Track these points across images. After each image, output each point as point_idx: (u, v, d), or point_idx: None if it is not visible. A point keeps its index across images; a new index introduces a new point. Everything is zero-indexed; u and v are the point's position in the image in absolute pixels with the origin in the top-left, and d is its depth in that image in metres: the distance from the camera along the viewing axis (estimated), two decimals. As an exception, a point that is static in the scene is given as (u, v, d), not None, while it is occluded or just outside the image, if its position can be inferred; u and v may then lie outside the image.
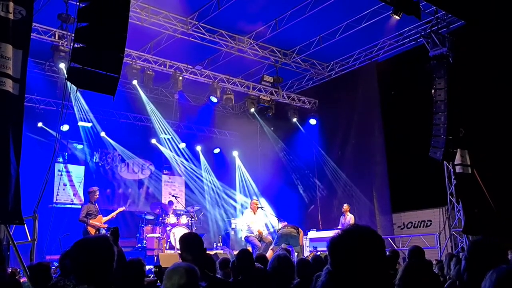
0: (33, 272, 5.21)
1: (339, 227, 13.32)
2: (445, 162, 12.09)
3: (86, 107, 14.32)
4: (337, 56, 15.10)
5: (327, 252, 2.01)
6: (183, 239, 4.08)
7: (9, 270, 7.41)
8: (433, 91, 11.67)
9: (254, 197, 14.68)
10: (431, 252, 12.03)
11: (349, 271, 1.87)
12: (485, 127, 11.56)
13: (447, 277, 6.52)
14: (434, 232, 13.06)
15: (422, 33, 12.50)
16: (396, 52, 14.12)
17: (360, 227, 1.99)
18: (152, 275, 7.58)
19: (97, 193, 11.73)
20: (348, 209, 13.53)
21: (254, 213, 12.46)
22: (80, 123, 14.59)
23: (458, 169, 11.69)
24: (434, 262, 9.24)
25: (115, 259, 2.70)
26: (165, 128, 16.17)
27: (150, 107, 15.39)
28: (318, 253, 10.74)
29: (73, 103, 13.42)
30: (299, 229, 11.94)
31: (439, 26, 12.14)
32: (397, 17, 10.95)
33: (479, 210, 11.21)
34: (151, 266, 8.98)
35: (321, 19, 12.50)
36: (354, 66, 15.16)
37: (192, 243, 3.97)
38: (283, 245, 11.33)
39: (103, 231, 4.19)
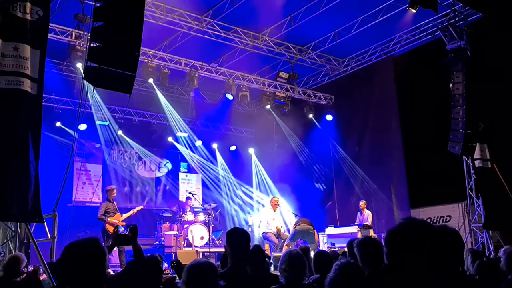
0: (58, 267, 5.28)
1: (356, 223, 13.27)
2: (464, 157, 11.94)
3: (103, 106, 14.45)
4: (353, 51, 14.99)
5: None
6: (227, 234, 4.16)
7: (31, 267, 7.51)
8: (451, 85, 11.52)
9: (276, 196, 14.61)
10: (450, 247, 11.88)
11: (406, 260, 1.88)
12: (505, 120, 11.38)
13: (467, 272, 6.43)
14: (454, 228, 12.90)
15: (439, 26, 12.34)
16: (413, 46, 13.96)
17: (418, 220, 2.03)
18: (171, 271, 7.62)
19: (115, 191, 11.82)
20: (365, 206, 13.47)
21: (274, 211, 12.47)
22: (98, 122, 14.73)
23: (477, 163, 11.55)
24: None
25: (106, 258, 2.70)
26: (182, 126, 16.24)
27: (166, 105, 15.46)
28: (336, 249, 10.71)
29: (91, 102, 13.53)
30: (313, 226, 11.93)
31: (457, 19, 11.97)
32: (414, 11, 10.83)
33: (500, 205, 11.06)
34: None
35: (336, 14, 12.42)
36: (370, 61, 15.05)
37: (234, 238, 4.01)
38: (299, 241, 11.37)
39: (122, 229, 4.22)
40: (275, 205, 12.51)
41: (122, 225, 11.06)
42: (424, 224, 2.03)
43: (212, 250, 12.27)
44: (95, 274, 2.63)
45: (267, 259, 5.51)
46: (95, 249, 2.69)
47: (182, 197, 16.50)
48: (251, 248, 4.87)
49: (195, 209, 14.31)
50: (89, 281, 2.59)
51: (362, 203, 13.52)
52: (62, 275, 2.71)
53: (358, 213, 13.59)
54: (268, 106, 15.85)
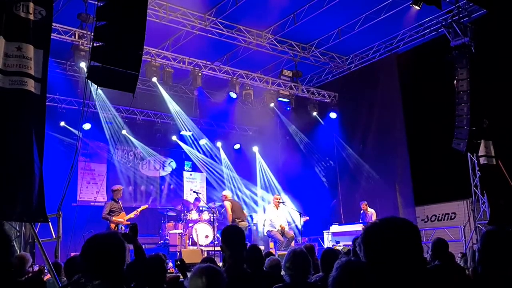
0: (68, 266, 5.30)
1: (360, 221, 13.26)
2: (468, 154, 11.89)
3: (108, 106, 14.46)
4: (356, 49, 14.97)
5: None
6: (222, 232, 4.13)
7: (36, 267, 7.53)
8: (455, 81, 11.47)
9: (277, 193, 14.65)
10: (456, 245, 11.88)
11: (384, 260, 1.84)
12: (510, 117, 11.33)
13: (470, 269, 6.45)
14: (459, 225, 12.89)
15: (443, 23, 12.28)
16: (416, 43, 13.91)
17: (395, 218, 1.98)
18: (175, 270, 7.62)
19: (121, 191, 11.84)
20: (366, 207, 13.39)
21: (277, 209, 12.47)
22: (102, 121, 14.75)
23: (482, 160, 11.50)
24: (459, 255, 9.14)
25: (126, 254, 2.78)
26: (186, 125, 16.25)
27: (170, 104, 15.45)
28: (341, 247, 10.69)
29: (95, 102, 13.54)
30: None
31: (461, 15, 11.91)
32: (417, 8, 10.80)
33: (505, 202, 11.01)
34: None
35: (340, 12, 12.40)
36: (374, 59, 15.02)
37: (230, 237, 4.00)
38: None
39: (123, 228, 4.24)
40: (277, 203, 12.53)
41: (126, 224, 11.15)
42: (401, 220, 1.99)
43: (216, 248, 12.26)
44: (118, 265, 2.72)
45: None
46: (119, 241, 2.78)
47: (186, 195, 16.52)
48: (247, 247, 4.86)
49: (200, 208, 14.31)
50: (112, 272, 2.67)
51: (364, 205, 13.43)
52: (85, 268, 2.77)
53: (362, 214, 13.52)
54: (272, 104, 15.84)
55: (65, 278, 5.56)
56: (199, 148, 17.18)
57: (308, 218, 13.63)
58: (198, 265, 3.00)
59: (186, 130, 16.34)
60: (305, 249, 6.23)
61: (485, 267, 2.73)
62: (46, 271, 6.93)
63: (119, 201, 11.59)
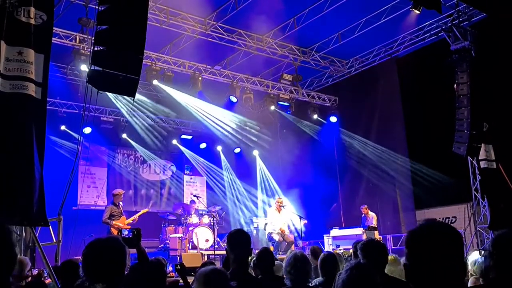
0: (63, 269, 5.29)
1: (361, 225, 13.24)
2: (469, 157, 11.88)
3: (108, 109, 14.47)
4: (356, 53, 14.98)
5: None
6: (228, 235, 4.13)
7: (36, 271, 7.53)
8: (455, 85, 11.47)
9: (277, 196, 14.62)
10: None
11: (427, 263, 1.89)
12: (510, 120, 11.33)
13: (469, 273, 6.41)
14: (459, 229, 12.81)
15: (443, 27, 12.30)
16: (416, 47, 13.93)
17: (439, 222, 2.04)
18: (176, 275, 7.62)
19: (122, 196, 11.84)
20: (367, 211, 13.38)
21: (279, 212, 12.45)
22: (102, 126, 14.76)
23: (482, 164, 11.47)
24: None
25: (126, 258, 2.82)
26: (186, 129, 16.27)
27: (173, 106, 15.43)
28: (341, 251, 10.68)
29: (95, 106, 13.55)
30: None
31: (461, 19, 11.92)
32: (417, 12, 10.81)
33: (505, 206, 11.00)
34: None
35: (340, 16, 12.42)
36: (374, 63, 15.02)
37: (235, 241, 4.00)
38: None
39: (126, 232, 4.23)
40: (279, 206, 12.51)
41: (126, 228, 11.13)
42: (446, 226, 2.04)
43: (217, 252, 12.27)
44: (118, 269, 2.75)
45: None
46: (120, 246, 2.80)
47: (186, 199, 16.52)
48: (259, 250, 4.86)
49: (200, 212, 14.31)
50: (112, 276, 2.69)
51: (364, 208, 13.42)
52: (86, 273, 2.81)
53: (362, 218, 13.51)
54: (272, 108, 15.84)
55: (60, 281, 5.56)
56: (199, 152, 17.10)
57: (306, 221, 13.61)
58: (207, 268, 3.01)
59: (186, 134, 16.38)
60: (311, 252, 6.22)
61: (499, 271, 2.72)
62: (45, 275, 6.93)
63: (120, 205, 11.60)
